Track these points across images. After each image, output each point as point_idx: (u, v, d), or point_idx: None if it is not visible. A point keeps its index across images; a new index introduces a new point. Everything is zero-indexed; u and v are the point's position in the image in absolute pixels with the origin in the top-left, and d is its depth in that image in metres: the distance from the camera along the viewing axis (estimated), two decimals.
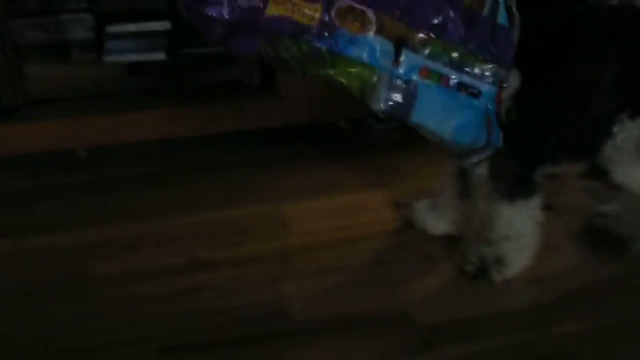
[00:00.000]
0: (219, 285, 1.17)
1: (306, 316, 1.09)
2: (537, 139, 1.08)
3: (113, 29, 1.50)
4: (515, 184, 1.10)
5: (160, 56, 1.51)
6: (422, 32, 0.92)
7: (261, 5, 0.86)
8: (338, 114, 1.67)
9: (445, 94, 0.94)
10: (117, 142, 1.52)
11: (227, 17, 0.86)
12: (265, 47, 0.89)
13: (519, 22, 0.99)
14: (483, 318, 1.09)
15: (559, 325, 1.06)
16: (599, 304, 1.11)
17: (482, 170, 1.10)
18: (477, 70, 0.95)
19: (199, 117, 1.54)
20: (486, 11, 0.95)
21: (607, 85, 1.05)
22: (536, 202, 1.12)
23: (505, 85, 0.99)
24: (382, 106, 0.92)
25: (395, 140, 1.66)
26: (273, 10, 0.86)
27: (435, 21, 0.92)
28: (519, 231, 1.12)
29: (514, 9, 0.99)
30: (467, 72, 0.94)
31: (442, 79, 0.93)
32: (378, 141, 1.68)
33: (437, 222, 1.28)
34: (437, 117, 0.96)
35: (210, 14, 0.86)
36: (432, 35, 0.92)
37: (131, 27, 1.50)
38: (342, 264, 1.22)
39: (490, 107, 0.98)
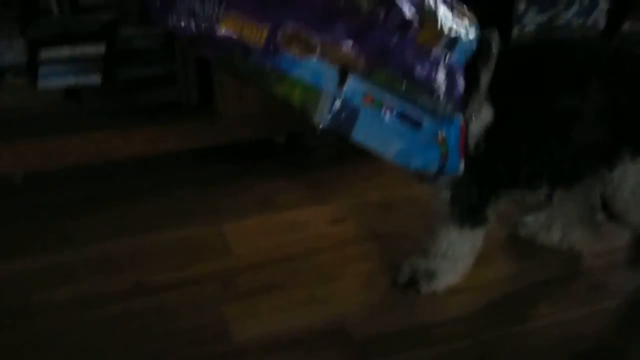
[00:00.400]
0: (163, 309, 1.19)
1: (247, 336, 1.12)
2: (508, 170, 1.12)
3: (47, 53, 1.49)
4: (469, 211, 1.15)
5: (96, 79, 1.52)
6: (369, 61, 0.96)
7: (215, 23, 0.93)
8: (275, 131, 1.70)
9: (387, 121, 0.99)
10: (54, 166, 1.51)
11: (186, 28, 0.93)
12: (220, 60, 0.97)
13: (493, 61, 1.02)
14: (418, 328, 1.14)
15: (487, 332, 1.12)
16: (526, 310, 1.18)
17: (444, 194, 1.14)
18: (420, 103, 0.99)
19: (137, 138, 1.55)
20: (439, 48, 0.98)
21: (589, 115, 1.07)
22: (482, 231, 1.18)
23: (473, 118, 1.03)
24: (323, 124, 0.99)
25: (332, 155, 1.71)
26: (224, 28, 0.93)
27: (384, 51, 0.96)
28: (458, 253, 1.18)
29: (493, 47, 1.02)
30: (410, 103, 0.98)
31: (385, 107, 0.98)
32: (315, 156, 1.72)
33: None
34: (378, 139, 1.01)
35: (173, 24, 0.93)
36: (378, 64, 0.97)
37: (66, 51, 1.49)
38: (282, 282, 1.26)
39: (448, 137, 1.01)
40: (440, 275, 1.20)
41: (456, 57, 0.98)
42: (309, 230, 1.41)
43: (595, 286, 1.24)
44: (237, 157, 1.67)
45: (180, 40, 1.00)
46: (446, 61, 0.98)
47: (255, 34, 0.94)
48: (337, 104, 0.97)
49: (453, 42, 0.98)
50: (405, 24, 0.97)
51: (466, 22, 1.02)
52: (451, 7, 1.03)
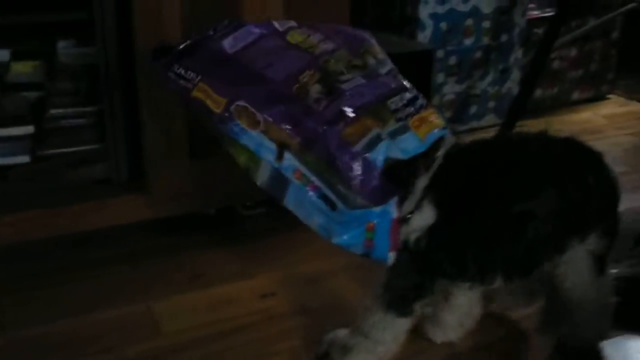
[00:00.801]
0: None
1: None
2: (456, 267, 1.13)
3: None
4: (398, 299, 1.16)
5: (24, 159, 1.52)
6: (302, 144, 1.06)
7: (190, 87, 1.14)
8: (205, 205, 1.74)
9: (310, 196, 1.07)
10: None
11: (174, 84, 1.18)
12: (197, 115, 1.17)
13: (433, 164, 1.07)
14: None
15: None
16: None
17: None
18: (339, 189, 1.05)
19: (67, 215, 1.55)
20: (360, 145, 1.04)
21: (541, 216, 1.09)
22: (406, 324, 1.19)
23: (408, 217, 1.08)
24: (261, 184, 1.12)
25: (264, 227, 1.75)
26: (195, 94, 1.14)
27: (313, 138, 1.05)
28: (379, 337, 1.19)
29: (438, 151, 1.08)
30: (329, 187, 1.06)
31: (310, 184, 1.07)
32: (247, 228, 1.76)
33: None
34: (304, 210, 1.09)
35: (165, 80, 1.19)
36: (308, 148, 1.06)
37: None
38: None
39: (377, 226, 1.05)
40: (357, 354, 1.21)
41: (376, 155, 1.04)
42: (239, 306, 1.44)
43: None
44: (168, 230, 1.69)
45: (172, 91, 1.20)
46: (365, 158, 1.04)
47: (217, 103, 1.12)
48: (274, 171, 1.10)
49: (375, 141, 1.05)
50: (339, 116, 1.06)
51: (416, 129, 1.09)
52: (409, 114, 1.10)
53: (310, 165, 1.06)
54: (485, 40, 2.32)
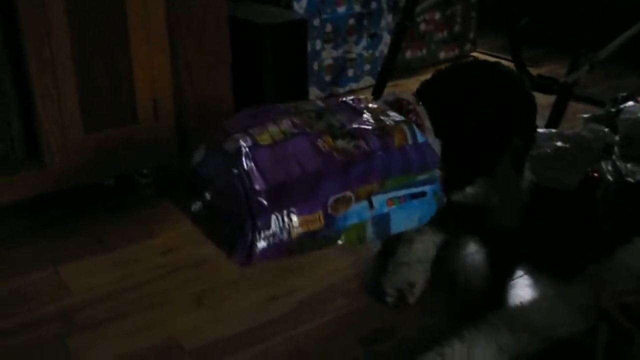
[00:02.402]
0: (5, 356, 1.29)
1: None
2: (459, 175, 1.44)
3: None
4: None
5: None
6: (379, 181, 1.27)
7: (287, 233, 1.19)
8: (104, 175, 1.84)
9: (406, 207, 1.30)
10: None
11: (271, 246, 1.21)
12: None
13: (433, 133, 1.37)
14: (244, 332, 1.35)
15: (302, 325, 1.36)
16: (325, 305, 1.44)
17: None
18: (419, 180, 1.31)
19: None
20: (409, 140, 1.31)
21: (490, 125, 1.45)
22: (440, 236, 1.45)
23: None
24: (371, 241, 1.30)
25: (164, 193, 1.88)
26: (295, 234, 1.19)
27: (384, 169, 1.27)
28: (423, 257, 1.42)
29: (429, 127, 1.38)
30: (414, 186, 1.30)
31: (400, 199, 1.29)
32: (145, 194, 1.88)
33: None
34: (406, 223, 1.33)
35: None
36: (385, 178, 1.27)
37: None
38: (121, 312, 1.41)
39: (436, 189, 1.35)
40: (419, 280, 1.41)
41: (419, 137, 1.32)
42: (142, 263, 1.57)
43: None
44: (72, 201, 1.79)
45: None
46: (417, 145, 1.32)
47: (316, 221, 1.20)
48: (374, 219, 1.27)
49: (412, 130, 1.33)
50: (378, 139, 1.29)
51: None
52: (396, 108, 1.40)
53: (392, 188, 1.28)
54: (357, 8, 2.51)
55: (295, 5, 2.35)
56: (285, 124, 1.27)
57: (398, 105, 1.41)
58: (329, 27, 2.46)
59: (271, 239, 1.17)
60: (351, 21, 2.51)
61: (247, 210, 1.16)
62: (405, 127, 1.32)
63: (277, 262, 1.53)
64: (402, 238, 1.43)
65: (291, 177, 1.20)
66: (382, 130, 1.30)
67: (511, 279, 1.51)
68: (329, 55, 2.50)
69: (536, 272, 1.52)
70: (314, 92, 2.48)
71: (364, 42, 2.58)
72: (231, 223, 1.19)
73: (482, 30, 3.02)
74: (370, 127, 1.30)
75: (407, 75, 2.69)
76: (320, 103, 1.40)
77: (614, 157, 1.71)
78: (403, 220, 1.31)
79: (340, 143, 1.26)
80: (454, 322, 1.33)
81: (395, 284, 1.42)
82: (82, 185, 1.80)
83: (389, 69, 2.37)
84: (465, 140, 1.43)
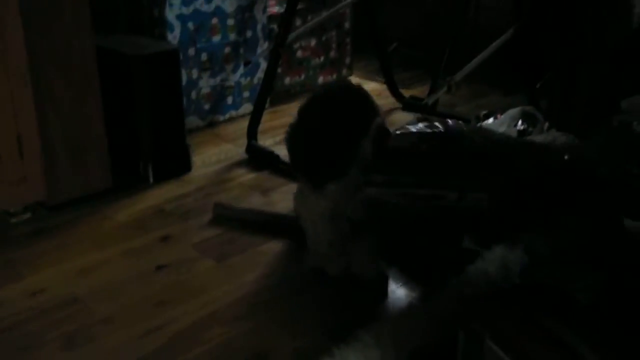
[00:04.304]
0: None
1: None
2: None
3: None
4: None
5: None
6: None
7: None
8: None
9: None
10: None
11: None
12: None
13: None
14: None
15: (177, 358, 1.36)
16: None
17: None
18: None
19: None
20: None
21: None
22: None
23: None
24: None
25: (33, 231, 1.81)
26: None
27: None
28: None
29: None
30: None
31: None
32: (12, 234, 1.80)
33: None
34: None
35: None
36: None
37: None
38: None
39: None
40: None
41: None
42: (8, 307, 1.50)
43: None
44: None
45: None
46: None
47: None
48: None
49: None
50: None
51: None
52: None
53: None
54: (232, 36, 2.54)
55: (169, 36, 2.34)
56: None
57: None
58: (204, 56, 2.47)
59: None
60: (227, 49, 2.54)
61: None
62: None
63: (154, 294, 1.55)
64: None
65: None
66: None
67: (382, 294, 1.56)
68: (206, 84, 2.51)
69: (404, 286, 1.59)
70: (193, 120, 2.48)
71: (240, 69, 2.61)
72: None
73: (358, 55, 3.12)
74: None
75: (287, 101, 2.74)
76: None
77: None
78: None
79: None
80: (326, 342, 1.36)
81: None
82: None
83: (266, 95, 2.41)
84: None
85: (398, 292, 1.57)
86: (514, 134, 1.88)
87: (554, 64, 1.94)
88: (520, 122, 1.97)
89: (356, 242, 1.59)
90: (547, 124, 1.93)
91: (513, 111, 2.00)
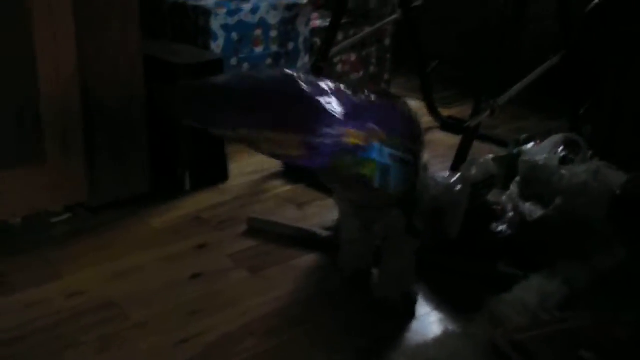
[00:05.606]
0: None
1: None
2: None
3: None
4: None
5: None
6: (387, 134, 1.40)
7: (341, 138, 1.30)
8: (10, 214, 1.79)
9: (396, 168, 1.42)
10: None
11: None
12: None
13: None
14: None
15: None
16: None
17: None
18: (406, 148, 1.45)
19: None
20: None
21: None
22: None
23: None
24: (376, 183, 1.38)
25: (69, 231, 1.84)
26: (350, 140, 1.31)
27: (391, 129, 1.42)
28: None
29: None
30: (402, 151, 1.43)
31: (395, 158, 1.41)
32: (53, 234, 1.83)
33: None
34: (397, 181, 1.43)
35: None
36: (390, 133, 1.40)
37: None
38: (23, 358, 1.37)
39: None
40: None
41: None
42: (45, 307, 1.52)
43: None
44: None
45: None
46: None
47: (360, 139, 1.33)
48: (379, 166, 1.37)
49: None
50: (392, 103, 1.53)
51: None
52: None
53: (391, 144, 1.40)
54: (274, 48, 2.56)
55: (212, 45, 2.37)
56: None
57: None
58: (246, 67, 2.49)
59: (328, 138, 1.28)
60: (268, 61, 2.56)
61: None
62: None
63: (189, 302, 1.56)
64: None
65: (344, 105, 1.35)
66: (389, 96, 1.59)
67: (415, 315, 1.55)
68: None
69: (439, 309, 1.57)
70: None
71: None
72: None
73: (397, 72, 3.12)
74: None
75: None
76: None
77: (513, 195, 1.80)
78: (397, 181, 1.42)
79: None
80: None
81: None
82: None
83: None
84: None
85: (431, 315, 1.56)
86: (555, 161, 1.85)
87: (600, 90, 1.91)
88: (561, 148, 1.95)
89: (387, 261, 1.59)
90: (590, 152, 1.90)
91: (555, 137, 1.98)
